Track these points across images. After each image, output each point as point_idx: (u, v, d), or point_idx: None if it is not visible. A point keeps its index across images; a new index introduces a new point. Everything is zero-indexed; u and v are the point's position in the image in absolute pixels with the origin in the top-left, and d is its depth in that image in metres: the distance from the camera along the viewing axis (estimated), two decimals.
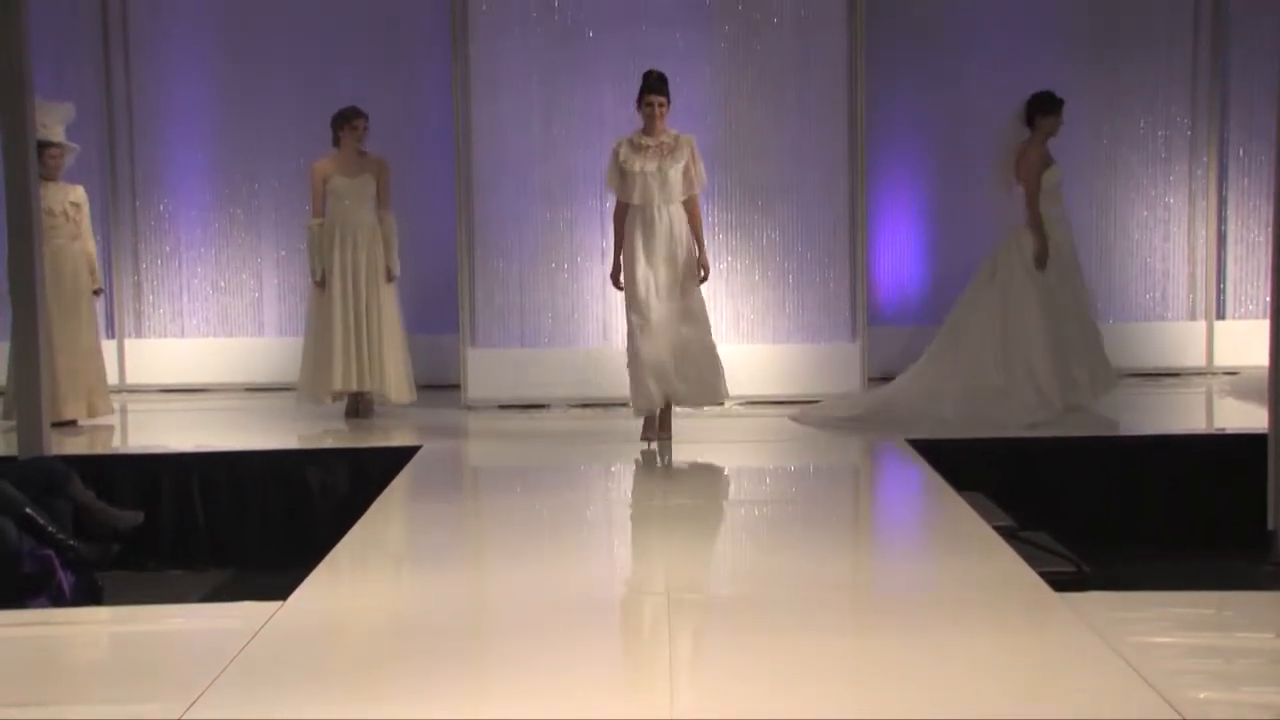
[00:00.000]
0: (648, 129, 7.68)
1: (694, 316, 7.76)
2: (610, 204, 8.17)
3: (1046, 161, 8.45)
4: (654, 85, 7.64)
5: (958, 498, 6.44)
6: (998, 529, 5.87)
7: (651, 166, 7.65)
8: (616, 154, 7.72)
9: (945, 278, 10.23)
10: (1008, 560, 5.34)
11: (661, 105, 7.65)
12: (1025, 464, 7.60)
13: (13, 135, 7.20)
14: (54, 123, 8.28)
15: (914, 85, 10.05)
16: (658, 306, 7.65)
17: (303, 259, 9.58)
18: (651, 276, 7.64)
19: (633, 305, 7.72)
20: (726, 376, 7.87)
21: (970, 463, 7.41)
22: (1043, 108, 8.40)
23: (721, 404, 8.07)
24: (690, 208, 7.72)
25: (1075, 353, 8.43)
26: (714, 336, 7.88)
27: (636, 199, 7.66)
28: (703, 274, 7.74)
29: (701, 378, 7.77)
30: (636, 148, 7.70)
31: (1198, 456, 7.62)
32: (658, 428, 7.91)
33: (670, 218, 7.67)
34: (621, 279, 7.77)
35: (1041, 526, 6.59)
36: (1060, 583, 5.08)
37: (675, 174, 7.64)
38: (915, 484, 7.14)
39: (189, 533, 7.58)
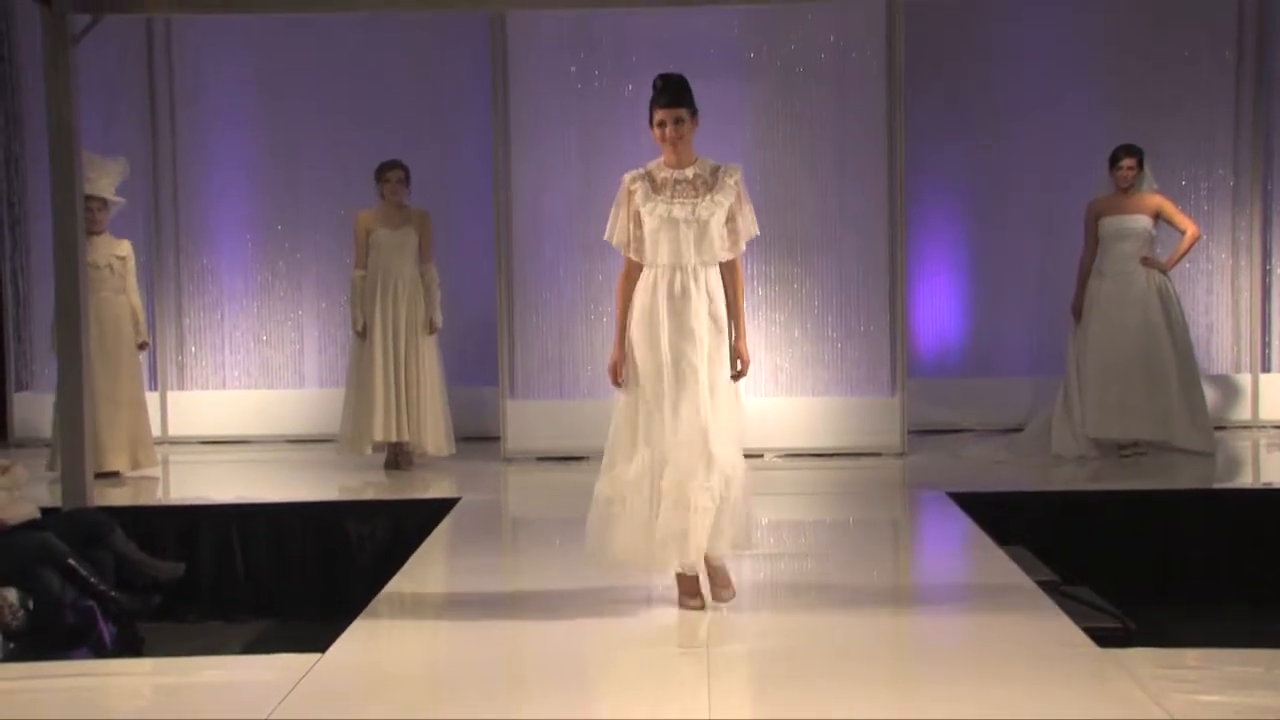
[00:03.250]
0: (670, 158, 5.47)
1: (724, 434, 5.38)
2: None
3: (1103, 211, 8.72)
4: (665, 95, 5.44)
5: (1000, 551, 6.38)
6: (1040, 583, 5.81)
7: (682, 212, 5.40)
8: (628, 192, 5.47)
9: (985, 330, 10.22)
10: (1051, 615, 5.28)
11: (681, 122, 5.37)
12: (1068, 518, 7.53)
13: (61, 190, 7.30)
14: (99, 175, 8.38)
15: (953, 139, 10.06)
16: (684, 425, 5.29)
17: (343, 311, 9.64)
18: (672, 379, 5.32)
19: (636, 421, 5.38)
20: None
21: (1012, 516, 7.36)
22: (1110, 160, 8.74)
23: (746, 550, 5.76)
24: (732, 273, 5.48)
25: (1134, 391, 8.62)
26: (742, 414, 5.63)
27: (662, 258, 5.39)
28: (739, 367, 5.49)
29: (721, 526, 5.44)
30: (657, 184, 5.44)
31: (1244, 511, 7.53)
32: (703, 584, 5.59)
33: (707, 286, 5.39)
34: (623, 374, 5.44)
35: (1085, 581, 6.52)
36: (1105, 639, 5.02)
37: (716, 222, 5.39)
38: (956, 537, 7.08)
39: (229, 584, 7.60)
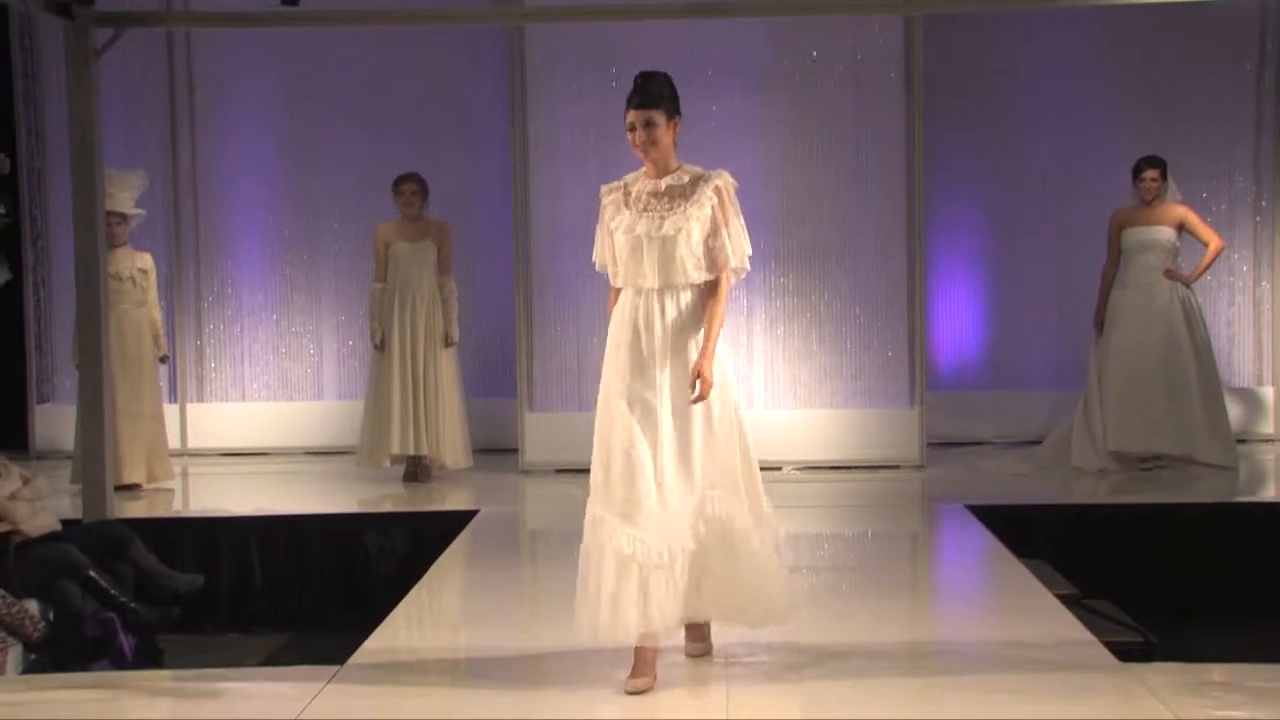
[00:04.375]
0: (649, 167, 4.75)
1: (722, 479, 4.69)
2: None
3: (1126, 223, 8.72)
4: (637, 95, 4.69)
5: (1019, 565, 6.36)
6: (1060, 597, 5.79)
7: (646, 228, 4.67)
8: (602, 206, 4.82)
9: (1005, 343, 10.19)
10: (1072, 629, 5.25)
11: (653, 126, 4.64)
12: (1088, 531, 7.50)
13: (83, 203, 7.34)
14: (119, 190, 8.42)
15: (973, 149, 10.04)
16: (668, 474, 4.62)
17: (362, 323, 9.66)
18: (641, 418, 4.65)
19: (601, 472, 4.71)
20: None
21: (1032, 529, 7.33)
22: (1133, 171, 8.73)
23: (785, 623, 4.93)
24: (712, 292, 4.67)
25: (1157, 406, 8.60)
26: (750, 447, 4.82)
27: (628, 280, 4.74)
28: (697, 389, 4.61)
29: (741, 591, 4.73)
30: (631, 197, 4.75)
31: (1266, 525, 7.48)
32: (687, 639, 4.93)
33: (678, 314, 4.66)
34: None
35: (1105, 595, 6.49)
36: (1126, 653, 5.00)
37: (684, 239, 4.62)
38: (976, 551, 7.05)
39: (248, 596, 7.62)
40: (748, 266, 4.75)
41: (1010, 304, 10.16)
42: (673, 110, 4.70)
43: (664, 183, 4.69)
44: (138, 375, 8.60)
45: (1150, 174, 8.64)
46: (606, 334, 4.76)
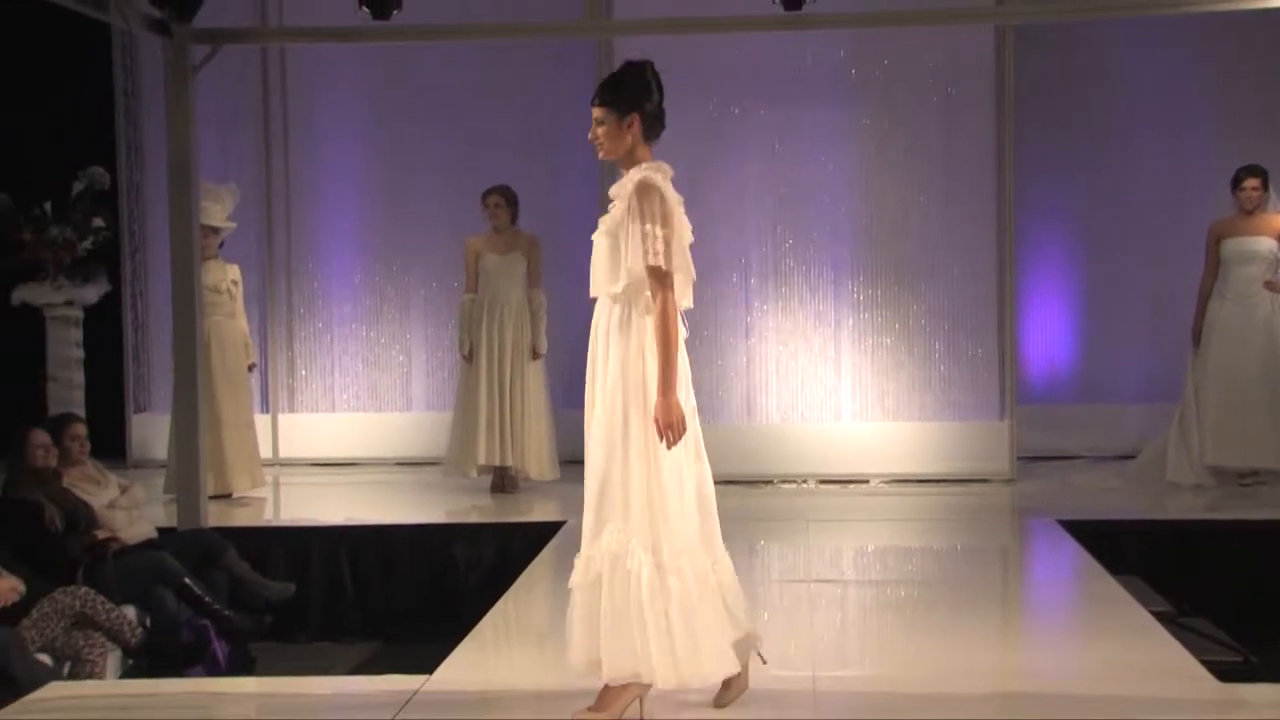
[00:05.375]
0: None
1: (612, 508, 4.39)
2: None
3: (1225, 234, 8.56)
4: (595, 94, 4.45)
5: (1112, 581, 6.25)
6: (1156, 614, 5.69)
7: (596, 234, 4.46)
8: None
9: (1097, 356, 10.05)
10: (1168, 648, 5.16)
11: (598, 124, 4.45)
12: (1184, 547, 7.36)
13: (179, 217, 7.48)
14: (212, 203, 8.57)
15: (1065, 159, 9.91)
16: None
17: (450, 335, 9.74)
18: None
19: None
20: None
21: (1126, 545, 7.21)
22: (1232, 181, 8.58)
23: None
24: (649, 307, 4.37)
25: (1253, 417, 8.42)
26: (643, 491, 4.36)
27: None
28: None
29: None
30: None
31: None
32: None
33: (609, 325, 4.43)
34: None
35: (1202, 613, 6.37)
36: (1226, 673, 4.90)
37: (600, 246, 4.42)
38: (1067, 566, 6.95)
39: (338, 605, 7.70)
40: (667, 282, 4.27)
41: (1103, 316, 10.01)
42: (625, 107, 4.37)
43: (615, 185, 4.45)
44: (236, 385, 8.75)
45: (1251, 183, 8.47)
46: (689, 347, 4.63)
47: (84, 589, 6.05)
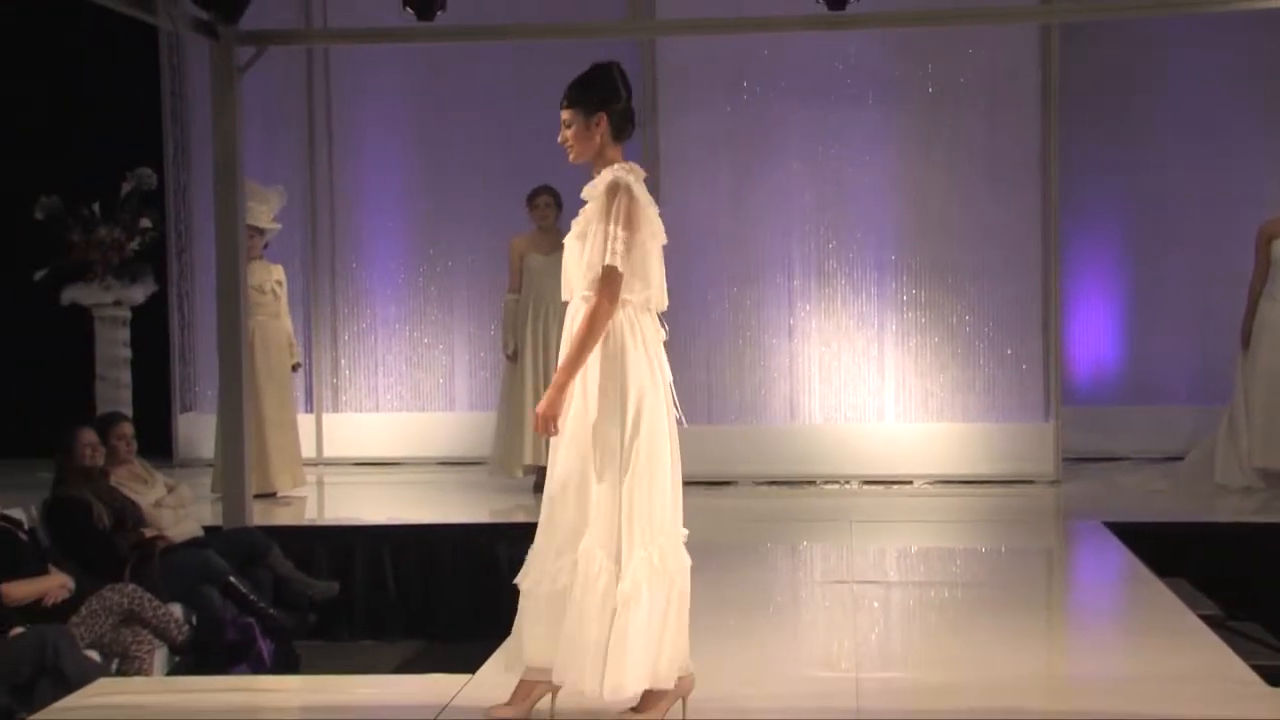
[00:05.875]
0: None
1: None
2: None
3: (1276, 234, 8.47)
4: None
5: (1160, 584, 6.20)
6: (1203, 617, 5.63)
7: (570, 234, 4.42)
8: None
9: (1144, 356, 9.96)
10: (1216, 651, 5.10)
11: (566, 126, 4.47)
12: (1233, 550, 7.28)
13: (225, 217, 7.54)
14: (258, 204, 8.62)
15: (1112, 159, 9.83)
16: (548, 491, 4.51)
17: (494, 335, 9.76)
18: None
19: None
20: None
21: (1173, 547, 7.13)
22: None
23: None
24: (590, 304, 4.30)
25: None
26: (612, 505, 4.30)
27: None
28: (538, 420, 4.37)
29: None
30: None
31: None
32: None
33: (569, 325, 4.40)
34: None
35: (1252, 617, 6.30)
36: (1275, 677, 4.83)
37: (571, 249, 4.38)
38: (1113, 568, 6.90)
39: (382, 604, 7.73)
40: (621, 289, 4.24)
41: (1150, 316, 9.92)
42: (593, 107, 4.36)
43: (587, 187, 4.39)
44: (281, 385, 8.81)
45: None
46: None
47: (132, 586, 6.11)
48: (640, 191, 4.33)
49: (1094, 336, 10.05)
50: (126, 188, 9.42)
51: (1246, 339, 8.59)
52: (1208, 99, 9.78)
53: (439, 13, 7.53)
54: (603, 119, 4.36)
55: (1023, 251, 9.19)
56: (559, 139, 4.45)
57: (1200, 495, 8.44)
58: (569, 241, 4.37)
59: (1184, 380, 9.91)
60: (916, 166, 9.28)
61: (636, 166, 4.40)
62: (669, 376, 4.42)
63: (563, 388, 4.27)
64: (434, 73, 10.29)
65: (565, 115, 4.41)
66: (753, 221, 9.39)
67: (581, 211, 4.36)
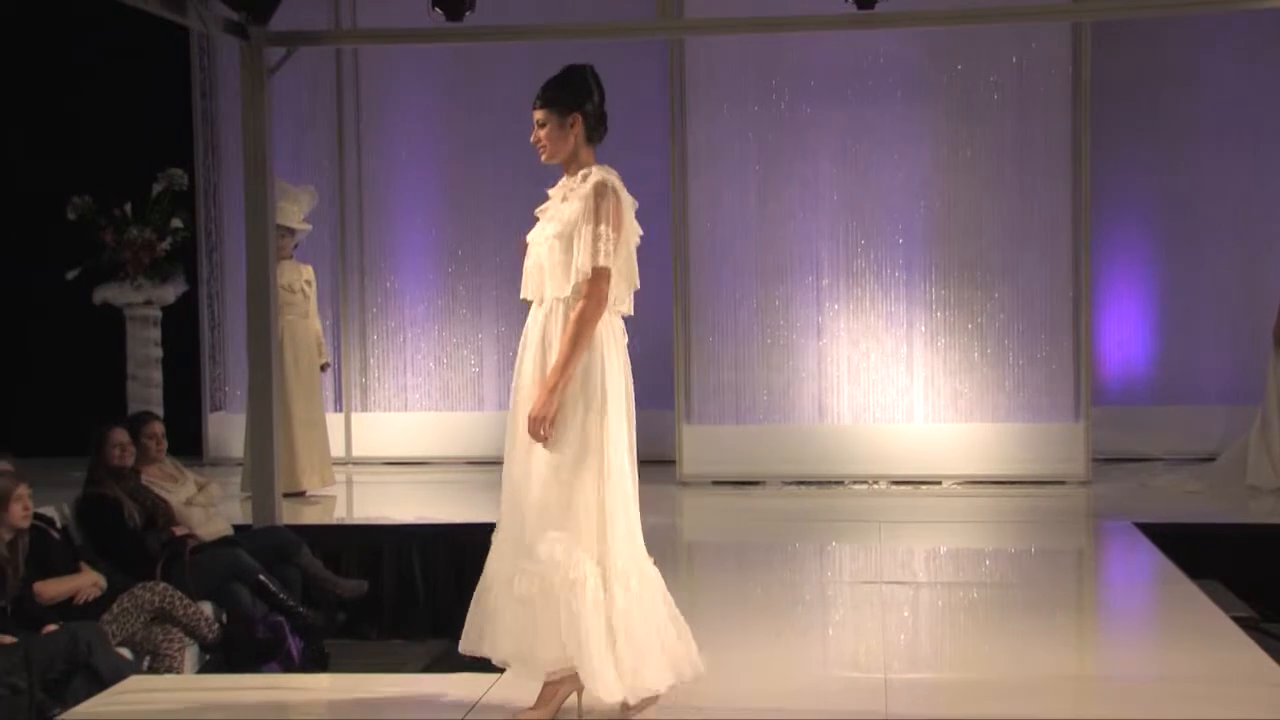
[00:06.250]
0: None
1: (536, 517, 4.32)
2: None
3: None
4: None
5: (1192, 585, 6.15)
6: (1237, 620, 5.59)
7: (535, 234, 4.47)
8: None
9: (1176, 356, 9.90)
10: (1249, 654, 5.07)
11: (540, 126, 4.48)
12: (1266, 552, 7.23)
13: (255, 217, 7.57)
14: (289, 204, 8.65)
15: (1143, 158, 9.77)
16: (505, 493, 4.51)
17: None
18: (509, 437, 4.51)
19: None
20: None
21: (1205, 549, 7.09)
22: None
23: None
24: (576, 308, 4.31)
25: None
26: (573, 504, 4.32)
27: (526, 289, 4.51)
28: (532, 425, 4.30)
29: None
30: (548, 202, 4.49)
31: None
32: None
33: (543, 331, 4.45)
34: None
35: None
36: None
37: (549, 247, 4.37)
38: (1145, 569, 6.85)
39: (410, 603, 7.74)
40: (607, 290, 4.25)
41: (1182, 316, 9.86)
42: (566, 107, 4.38)
43: (564, 187, 4.43)
44: (310, 384, 8.84)
45: None
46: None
47: (163, 585, 6.14)
48: (624, 193, 4.39)
49: (1125, 336, 9.98)
50: (157, 188, 9.47)
51: (1278, 339, 8.53)
52: (1240, 97, 9.71)
53: (468, 13, 7.55)
54: (578, 120, 4.39)
55: (1053, 250, 9.14)
56: (532, 139, 4.44)
57: (1233, 496, 8.38)
58: (547, 239, 4.34)
59: (1216, 380, 9.84)
60: (946, 165, 9.24)
61: (611, 169, 4.45)
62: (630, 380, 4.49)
63: (555, 390, 4.24)
64: (463, 73, 10.31)
65: (538, 115, 4.40)
66: (781, 221, 9.37)
67: (549, 210, 4.38)
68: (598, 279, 4.24)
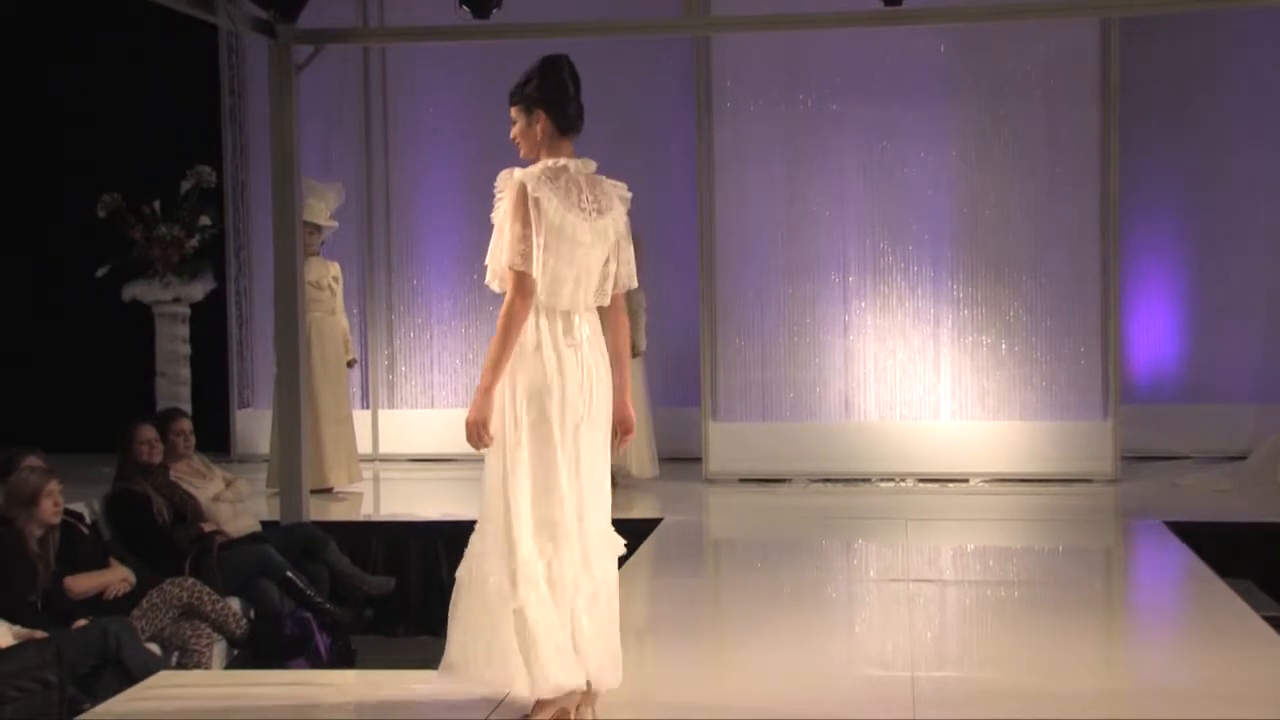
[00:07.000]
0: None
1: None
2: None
3: None
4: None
5: (1223, 584, 6.11)
6: (1269, 619, 5.54)
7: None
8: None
9: (1205, 354, 9.84)
10: None
11: (512, 122, 4.46)
12: None
13: (282, 215, 7.60)
14: (316, 201, 8.68)
15: (1171, 159, 9.72)
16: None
17: None
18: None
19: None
20: None
21: (1236, 548, 7.04)
22: None
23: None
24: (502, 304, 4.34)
25: None
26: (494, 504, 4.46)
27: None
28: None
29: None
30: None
31: None
32: None
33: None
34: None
35: None
36: None
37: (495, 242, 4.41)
38: (1175, 568, 6.81)
39: (436, 599, 7.75)
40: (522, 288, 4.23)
41: (1212, 314, 9.80)
42: (530, 105, 4.35)
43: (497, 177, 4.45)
44: (337, 381, 8.86)
45: None
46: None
47: (191, 581, 6.18)
48: (547, 192, 4.26)
49: (1154, 333, 9.93)
50: (186, 185, 9.52)
51: None
52: (1270, 93, 9.65)
53: (495, 11, 7.55)
54: (541, 116, 4.34)
55: (1081, 248, 9.10)
56: (510, 136, 4.44)
57: (1264, 495, 8.32)
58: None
59: (1246, 378, 9.78)
60: (974, 162, 9.21)
61: (576, 163, 4.37)
62: (593, 377, 4.36)
63: (487, 391, 4.23)
64: (490, 71, 10.29)
65: (511, 113, 4.39)
66: (808, 218, 9.35)
67: (495, 201, 4.41)
68: (512, 278, 4.26)
